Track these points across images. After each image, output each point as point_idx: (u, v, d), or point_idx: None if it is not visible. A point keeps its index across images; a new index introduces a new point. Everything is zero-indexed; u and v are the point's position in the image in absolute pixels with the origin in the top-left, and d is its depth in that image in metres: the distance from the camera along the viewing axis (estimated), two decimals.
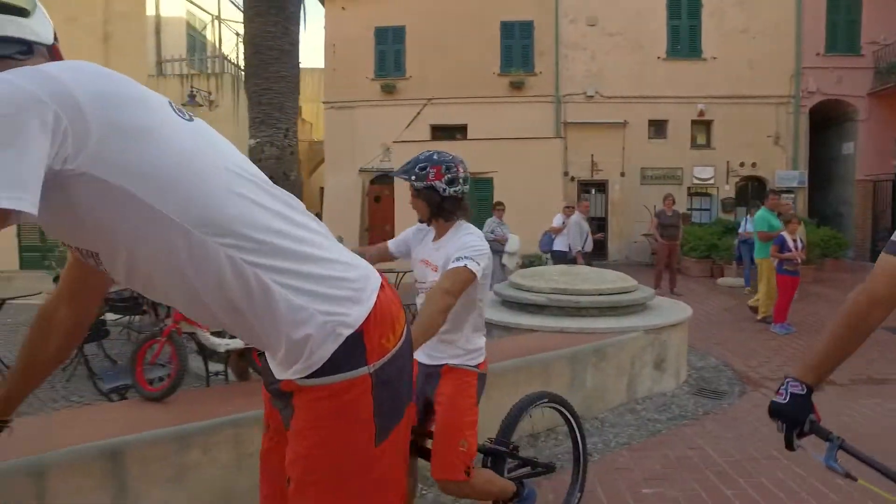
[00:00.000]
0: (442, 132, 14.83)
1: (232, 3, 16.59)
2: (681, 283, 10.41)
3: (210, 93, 13.04)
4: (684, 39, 14.27)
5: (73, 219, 0.88)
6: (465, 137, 14.62)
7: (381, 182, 14.67)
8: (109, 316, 5.68)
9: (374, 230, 14.50)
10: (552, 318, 5.20)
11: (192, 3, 15.24)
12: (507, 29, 14.41)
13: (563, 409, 2.66)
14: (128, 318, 6.01)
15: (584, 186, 14.55)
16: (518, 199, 11.40)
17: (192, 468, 2.71)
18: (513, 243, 8.32)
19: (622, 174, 14.46)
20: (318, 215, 11.86)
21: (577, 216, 9.14)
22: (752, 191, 14.63)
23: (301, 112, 18.56)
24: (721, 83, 14.14)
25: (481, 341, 2.22)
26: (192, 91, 12.61)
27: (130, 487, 2.56)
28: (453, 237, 2.16)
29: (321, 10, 15.22)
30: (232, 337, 3.24)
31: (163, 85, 13.35)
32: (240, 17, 16.94)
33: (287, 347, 1.00)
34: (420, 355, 2.04)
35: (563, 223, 9.25)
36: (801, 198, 13.98)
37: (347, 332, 1.01)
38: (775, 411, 1.27)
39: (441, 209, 2.16)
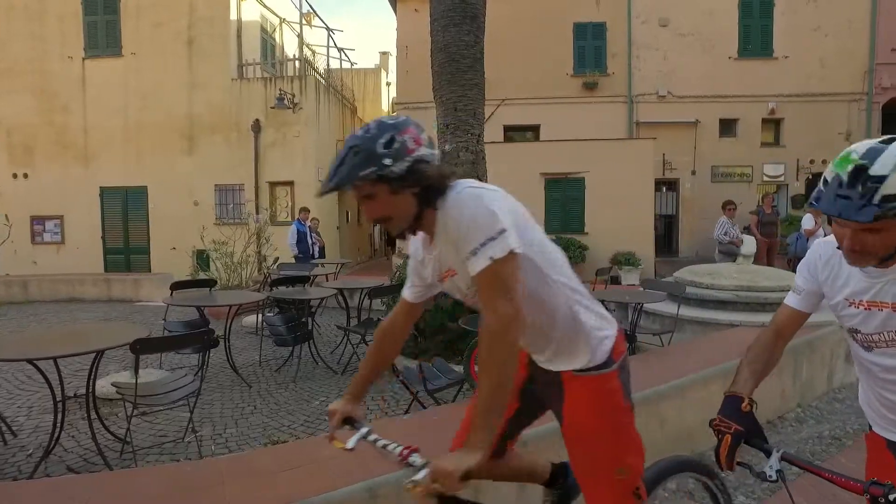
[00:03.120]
0: (515, 132, 15.05)
1: (310, 7, 16.79)
2: None
3: (294, 95, 13.25)
4: (756, 38, 14.41)
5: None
6: (537, 138, 14.84)
7: None
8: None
9: None
10: (741, 313, 5.44)
11: (264, 6, 15.47)
12: (580, 30, 14.59)
13: (710, 484, 1.95)
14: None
15: (656, 184, 14.71)
16: (610, 200, 11.62)
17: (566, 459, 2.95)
18: (749, 245, 7.56)
19: (693, 172, 14.64)
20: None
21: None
22: None
23: (356, 111, 18.88)
24: (792, 81, 14.29)
25: (599, 325, 1.56)
26: (280, 94, 12.82)
27: None
28: (445, 224, 1.39)
29: (379, 11, 15.36)
30: None
31: (246, 88, 13.62)
32: (299, 18, 17.14)
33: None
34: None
35: (816, 223, 8.99)
36: None
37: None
38: None
39: (436, 190, 1.39)
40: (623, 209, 11.56)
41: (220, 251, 7.47)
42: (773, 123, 14.78)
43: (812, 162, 14.45)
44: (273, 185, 13.71)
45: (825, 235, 6.29)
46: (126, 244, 14.26)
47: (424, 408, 3.73)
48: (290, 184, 13.64)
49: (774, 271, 5.97)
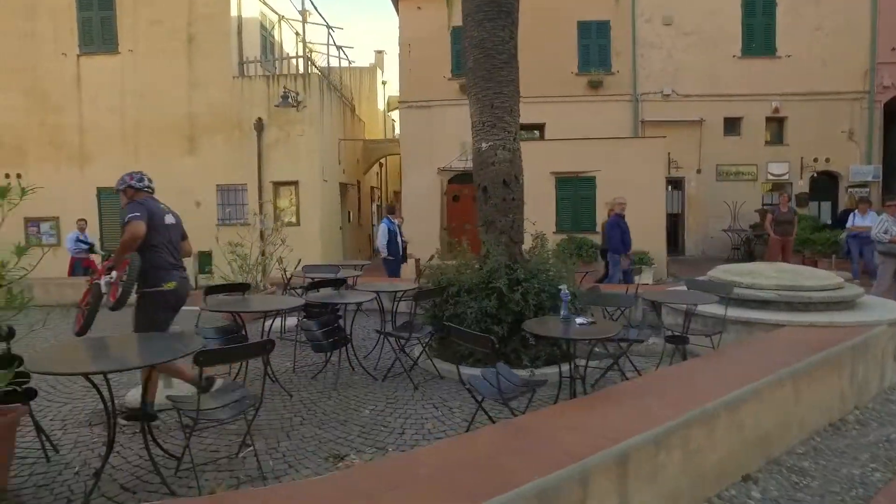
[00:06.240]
0: (520, 131, 14.91)
1: (312, 4, 16.45)
2: None
3: (298, 93, 12.99)
4: (759, 37, 14.47)
5: None
6: (542, 136, 14.74)
7: (459, 181, 14.73)
8: None
9: (453, 229, 14.56)
10: (784, 312, 5.36)
11: (263, 3, 15.16)
12: (584, 29, 14.52)
13: None
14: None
15: None
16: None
17: (661, 468, 2.81)
18: None
19: (698, 171, 14.65)
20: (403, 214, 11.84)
21: None
22: (825, 186, 14.91)
23: (355, 110, 18.66)
24: (795, 80, 14.36)
25: None
26: (285, 92, 12.56)
27: (629, 491, 2.64)
28: None
29: (370, 9, 15.17)
30: None
31: (248, 86, 13.33)
32: (298, 15, 16.87)
33: None
34: None
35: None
36: (874, 192, 14.24)
37: None
38: None
39: None
40: (635, 208, 11.44)
41: (236, 252, 7.23)
42: (776, 122, 14.85)
43: (816, 160, 14.54)
44: (277, 184, 13.44)
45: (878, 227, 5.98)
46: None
47: (490, 417, 3.58)
48: (295, 183, 13.37)
49: (813, 271, 5.90)
